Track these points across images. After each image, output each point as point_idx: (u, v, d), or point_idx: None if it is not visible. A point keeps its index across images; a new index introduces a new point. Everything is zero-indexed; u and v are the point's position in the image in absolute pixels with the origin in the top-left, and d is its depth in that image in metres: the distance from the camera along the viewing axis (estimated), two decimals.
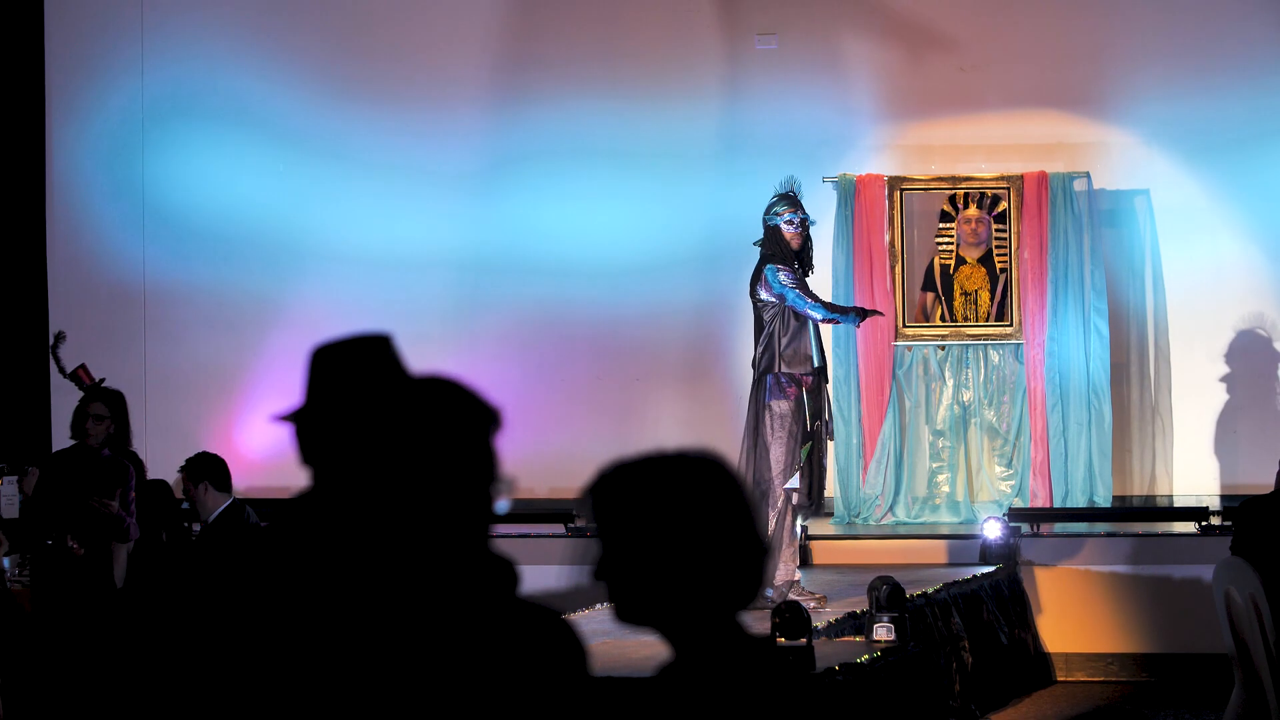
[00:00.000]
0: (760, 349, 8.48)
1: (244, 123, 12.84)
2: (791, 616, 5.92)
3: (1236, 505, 7.81)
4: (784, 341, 8.39)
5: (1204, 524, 10.54)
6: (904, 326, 12.02)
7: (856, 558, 10.68)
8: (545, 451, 12.32)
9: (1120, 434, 12.11)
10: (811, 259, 8.66)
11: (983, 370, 12.04)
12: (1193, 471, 12.20)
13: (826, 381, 8.66)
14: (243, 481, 9.45)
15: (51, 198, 12.93)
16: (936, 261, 12.19)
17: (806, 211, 8.65)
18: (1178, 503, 12.00)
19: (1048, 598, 10.30)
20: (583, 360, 12.65)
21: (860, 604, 8.01)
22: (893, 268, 12.07)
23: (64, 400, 12.28)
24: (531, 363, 12.62)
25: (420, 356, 2.55)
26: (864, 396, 12.03)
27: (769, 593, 7.95)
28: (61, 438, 12.25)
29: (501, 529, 10.19)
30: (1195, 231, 12.25)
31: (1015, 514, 10.95)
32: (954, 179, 12.19)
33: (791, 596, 8.07)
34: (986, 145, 12.42)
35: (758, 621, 6.43)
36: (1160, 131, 12.33)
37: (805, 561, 10.10)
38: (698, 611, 2.39)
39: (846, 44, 12.63)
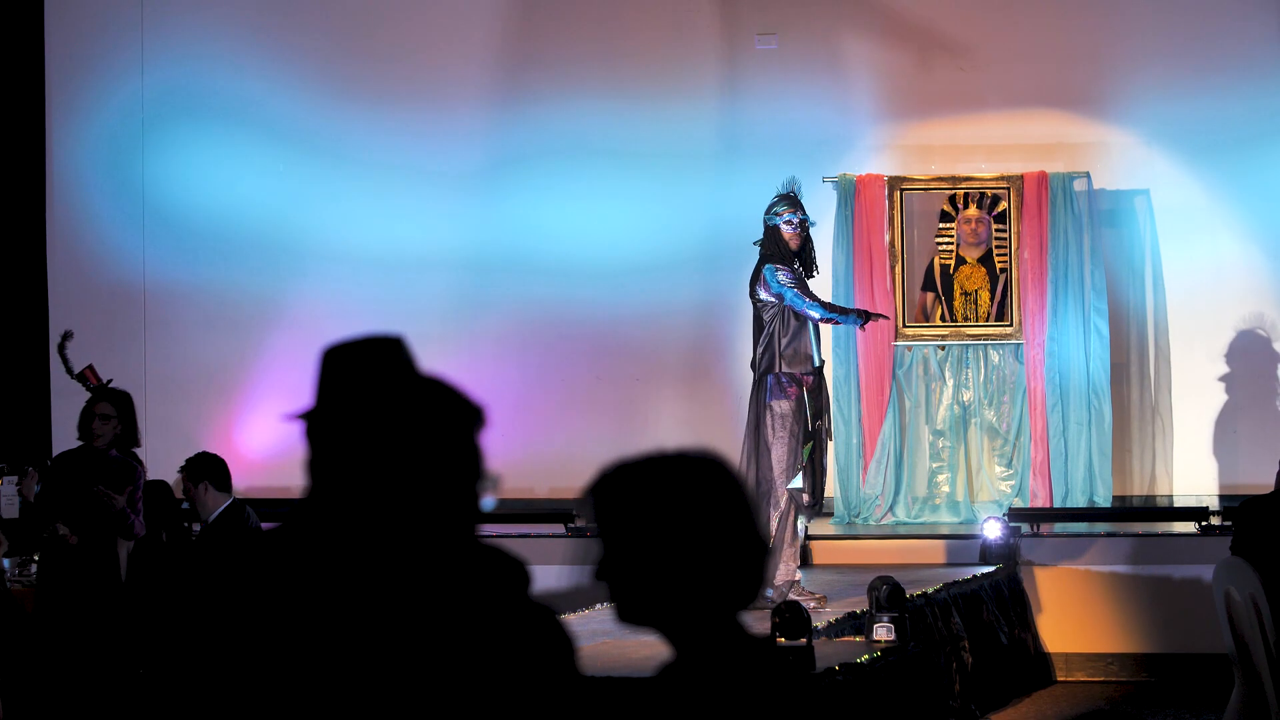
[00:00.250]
0: (760, 349, 8.48)
1: (244, 123, 12.84)
2: (791, 616, 5.92)
3: (1236, 505, 7.81)
4: (784, 341, 8.39)
5: (1204, 524, 10.54)
6: (904, 326, 12.02)
7: (856, 558, 10.68)
8: (545, 451, 12.33)
9: (1120, 434, 12.12)
10: (813, 260, 8.66)
11: (983, 370, 12.04)
12: (1192, 471, 12.20)
13: (826, 381, 8.66)
14: (243, 481, 9.46)
15: (51, 198, 12.93)
16: (936, 261, 12.19)
17: (807, 212, 8.64)
18: (1178, 503, 12.00)
19: (1048, 598, 10.30)
20: (583, 360, 12.65)
21: (860, 604, 8.01)
22: (893, 268, 12.07)
23: (64, 400, 12.29)
24: (531, 363, 12.62)
25: (420, 356, 2.56)
26: (864, 396, 12.03)
27: (769, 593, 7.95)
28: (62, 438, 12.26)
29: (502, 529, 10.18)
30: (1195, 231, 12.25)
31: (1015, 514, 10.95)
32: (954, 179, 12.19)
33: (791, 596, 8.07)
34: (986, 145, 12.42)
35: (758, 621, 6.43)
36: (1160, 131, 12.33)
37: (805, 561, 10.10)
38: (699, 612, 2.39)
39: (846, 44, 12.63)
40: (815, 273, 8.66)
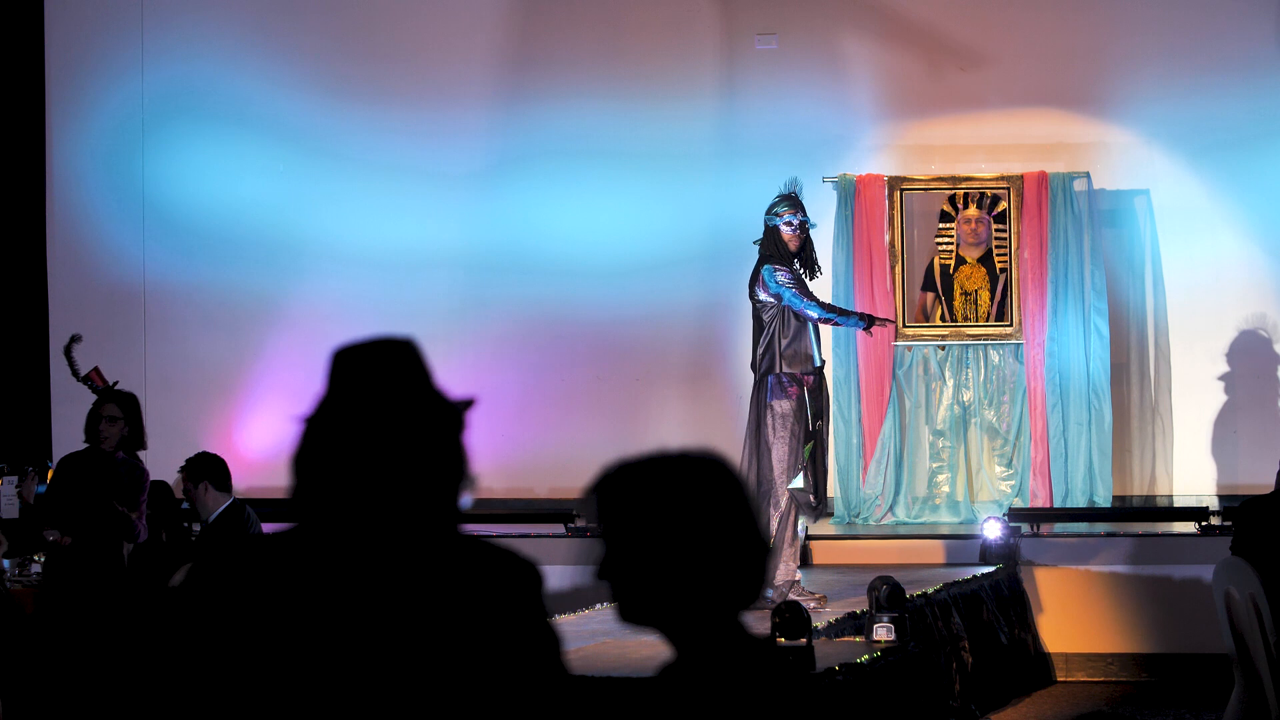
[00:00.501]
0: (760, 350, 8.47)
1: (244, 122, 12.84)
2: (791, 616, 5.92)
3: (1236, 505, 7.81)
4: (784, 342, 8.39)
5: (1204, 524, 10.54)
6: (904, 326, 12.02)
7: (856, 558, 10.68)
8: (545, 451, 12.34)
9: (1120, 434, 12.12)
10: (814, 261, 8.65)
11: (983, 370, 12.05)
12: (1192, 471, 12.20)
13: (826, 381, 8.66)
14: (243, 481, 9.45)
15: (51, 198, 12.93)
16: (936, 261, 12.19)
17: (808, 214, 8.64)
18: (1178, 503, 12.00)
19: (1048, 598, 10.30)
20: (583, 360, 12.65)
21: (860, 604, 8.01)
22: (893, 268, 12.07)
23: (65, 401, 12.30)
24: (532, 363, 12.62)
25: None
26: (864, 396, 12.03)
27: (769, 593, 7.95)
28: (62, 438, 12.26)
29: (502, 529, 10.17)
30: (1195, 231, 12.25)
31: (1015, 514, 10.95)
32: (954, 179, 12.20)
33: (791, 596, 8.07)
34: (986, 145, 12.42)
35: (758, 621, 6.43)
36: (1160, 131, 12.33)
37: (805, 561, 10.10)
38: (700, 611, 2.39)
39: (846, 44, 12.63)
40: (818, 274, 8.65)
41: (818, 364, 8.48)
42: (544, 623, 2.40)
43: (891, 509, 11.92)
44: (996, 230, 12.12)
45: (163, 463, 9.86)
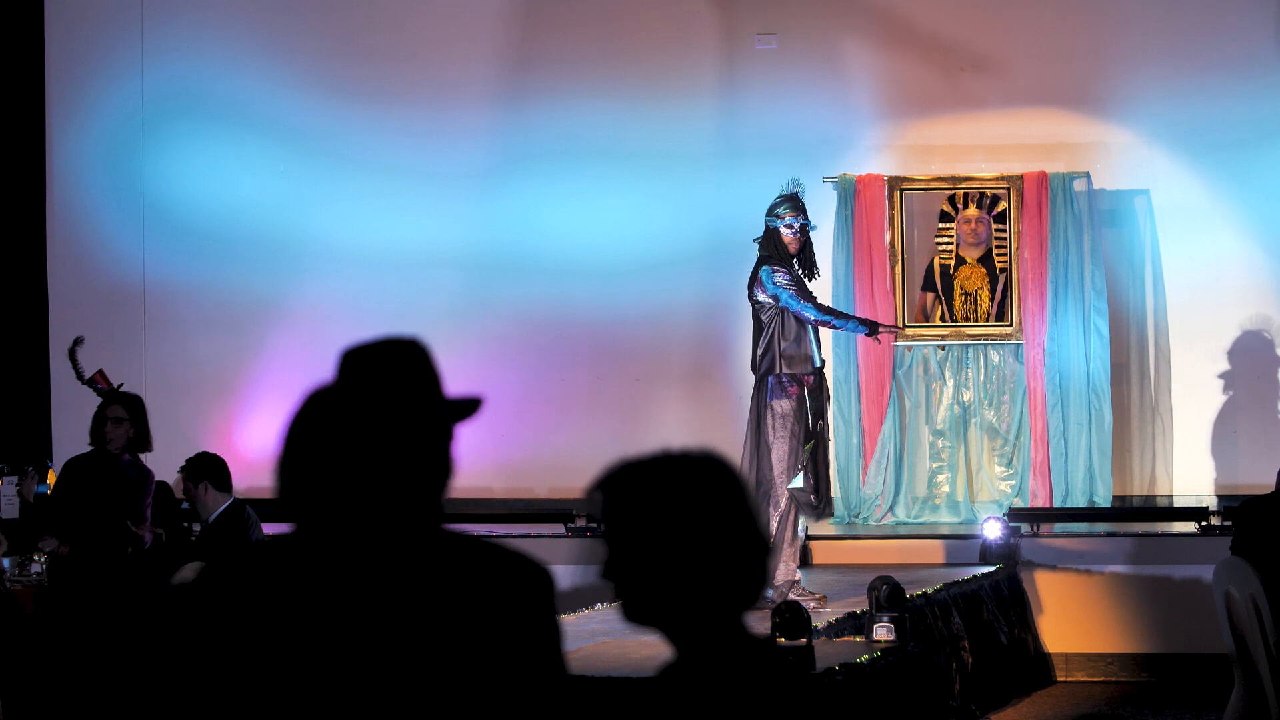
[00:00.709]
0: (760, 350, 8.48)
1: (244, 122, 12.83)
2: (791, 616, 5.92)
3: (1236, 505, 7.81)
4: (784, 343, 8.39)
5: (1204, 524, 10.53)
6: (904, 327, 12.02)
7: (856, 558, 10.68)
8: (545, 451, 12.34)
9: (1120, 434, 12.12)
10: (813, 262, 8.66)
11: (983, 370, 12.05)
12: (1192, 471, 12.20)
13: (827, 381, 8.67)
14: (243, 481, 9.45)
15: (51, 198, 12.93)
16: (936, 261, 12.19)
17: (809, 217, 8.64)
18: (1177, 503, 12.00)
19: (1048, 598, 10.30)
20: (583, 360, 12.65)
21: (860, 604, 8.01)
22: (893, 268, 12.07)
23: (65, 401, 12.30)
24: (532, 363, 12.61)
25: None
26: (864, 396, 12.04)
27: (769, 593, 7.95)
28: (62, 438, 12.27)
29: (502, 529, 10.15)
30: (1195, 231, 12.25)
31: (1015, 514, 10.95)
32: (954, 179, 12.20)
33: (791, 596, 8.07)
34: (986, 145, 12.42)
35: (758, 621, 6.43)
36: (1160, 131, 12.33)
37: (805, 561, 10.10)
38: (704, 612, 2.39)
39: (846, 44, 12.63)
40: (816, 275, 8.65)
41: (817, 364, 8.48)
42: (554, 629, 2.37)
43: (891, 509, 11.93)
44: (996, 230, 12.12)
45: (163, 463, 9.85)
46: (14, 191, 12.90)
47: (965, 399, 12.04)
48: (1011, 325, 12.01)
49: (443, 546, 2.37)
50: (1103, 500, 11.79)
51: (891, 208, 12.09)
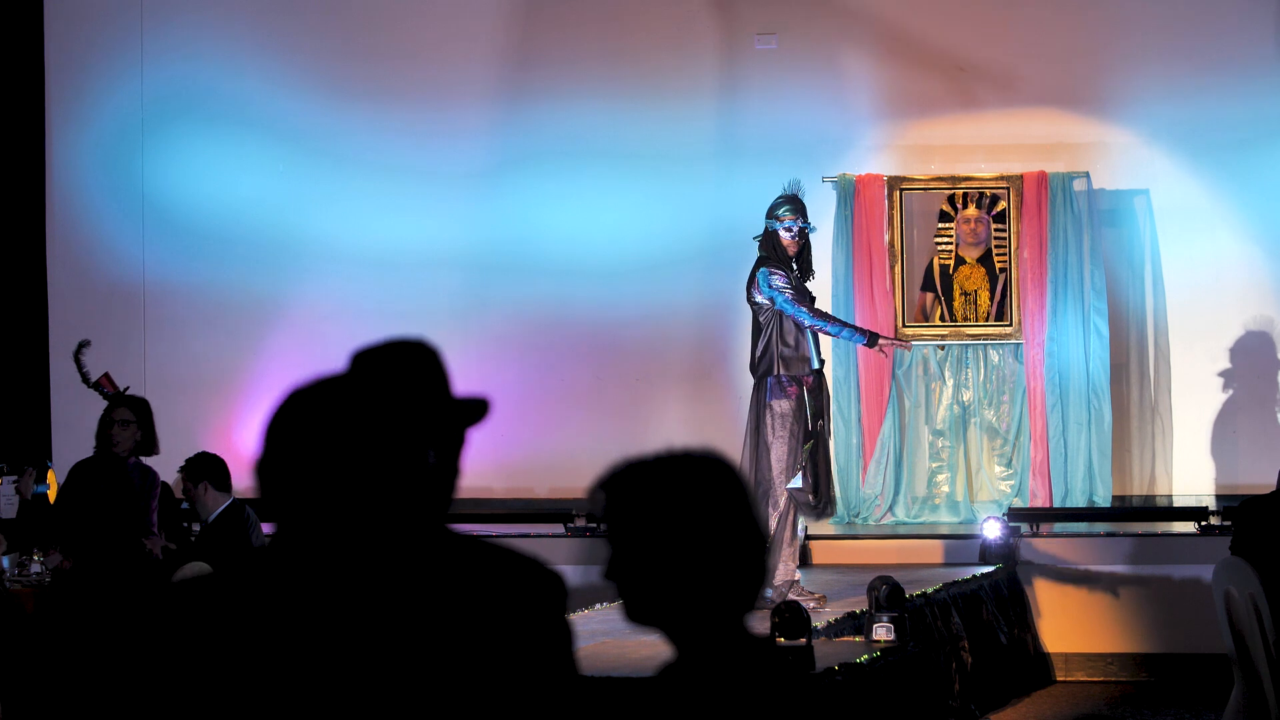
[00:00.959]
0: (759, 352, 8.48)
1: (244, 123, 12.83)
2: (791, 616, 5.93)
3: (1236, 505, 7.81)
4: (782, 345, 8.40)
5: (1204, 524, 10.53)
6: (904, 326, 12.02)
7: (856, 558, 10.68)
8: (545, 451, 12.34)
9: (1120, 434, 12.12)
10: (811, 263, 8.66)
11: (982, 370, 12.05)
12: (1192, 471, 12.20)
13: (826, 381, 8.67)
14: (243, 481, 9.45)
15: (51, 198, 12.93)
16: (936, 261, 12.19)
17: (809, 218, 8.64)
18: (1177, 503, 12.00)
19: (1047, 597, 10.30)
20: (583, 360, 12.65)
21: (860, 604, 8.01)
22: (892, 268, 12.07)
23: (64, 401, 12.29)
24: (532, 363, 12.61)
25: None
26: (864, 396, 12.04)
27: (769, 593, 7.95)
28: (62, 438, 12.27)
29: (502, 529, 10.16)
30: (1195, 231, 12.25)
31: (1015, 514, 10.95)
32: (953, 179, 12.20)
33: (791, 596, 8.07)
34: (986, 145, 12.41)
35: (758, 621, 6.43)
36: (1160, 131, 12.33)
37: (805, 561, 10.10)
38: (706, 612, 2.39)
39: (846, 44, 12.63)
40: (811, 276, 8.66)
41: (815, 366, 8.48)
42: (567, 636, 2.33)
43: (891, 509, 11.93)
44: (996, 230, 12.12)
45: (162, 463, 9.85)
46: (14, 191, 12.90)
47: (965, 399, 12.04)
48: (1011, 325, 12.01)
49: (453, 551, 2.33)
50: (1102, 500, 11.79)
51: (891, 208, 12.09)
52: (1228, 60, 12.29)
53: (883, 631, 7.10)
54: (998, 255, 12.11)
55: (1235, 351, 12.20)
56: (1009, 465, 11.97)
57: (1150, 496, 12.20)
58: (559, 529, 10.76)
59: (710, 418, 12.13)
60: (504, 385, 12.12)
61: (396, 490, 2.29)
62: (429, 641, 2.26)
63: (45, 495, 9.84)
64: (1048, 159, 12.25)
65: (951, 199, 12.16)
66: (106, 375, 9.87)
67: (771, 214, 8.59)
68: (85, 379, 10.11)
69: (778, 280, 8.41)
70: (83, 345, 10.30)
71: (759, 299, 8.47)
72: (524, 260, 12.63)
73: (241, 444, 12.21)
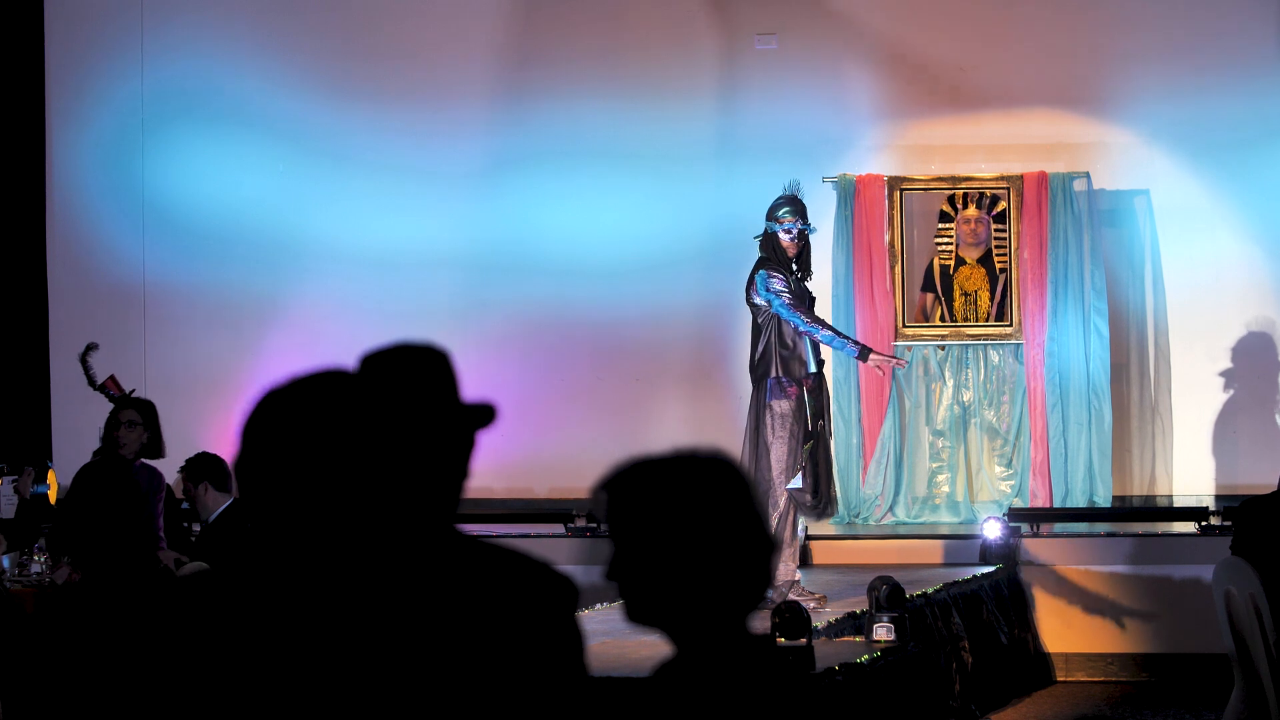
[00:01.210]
0: (758, 353, 8.48)
1: (244, 123, 12.83)
2: (791, 616, 5.92)
3: (1236, 505, 7.81)
4: (782, 346, 8.40)
5: (1204, 524, 10.53)
6: (904, 326, 12.02)
7: (856, 558, 10.67)
8: (545, 451, 12.33)
9: (1120, 434, 12.12)
10: (809, 265, 8.66)
11: (982, 370, 12.05)
12: (1192, 471, 12.20)
13: (826, 381, 8.66)
14: None
15: (51, 198, 12.93)
16: (936, 262, 12.19)
17: (808, 220, 8.64)
18: (1177, 503, 12.00)
19: (1047, 598, 10.30)
20: (583, 360, 12.65)
21: (860, 604, 8.01)
22: (892, 268, 12.07)
23: (65, 401, 12.30)
24: (532, 363, 12.61)
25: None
26: (864, 396, 12.04)
27: (769, 593, 7.95)
28: (62, 438, 12.27)
29: (502, 529, 10.15)
30: (1195, 231, 12.25)
31: (1015, 514, 10.94)
32: (954, 179, 12.19)
33: (791, 596, 8.07)
34: (986, 145, 12.41)
35: (758, 621, 6.42)
36: (1160, 131, 12.32)
37: (805, 561, 10.10)
38: (709, 613, 2.38)
39: (846, 44, 12.62)
40: (810, 278, 8.66)
41: (813, 369, 8.47)
42: (578, 642, 2.30)
43: (891, 509, 11.93)
44: (996, 230, 12.11)
45: (163, 463, 9.86)
46: (14, 191, 12.90)
47: (965, 399, 12.04)
48: (1011, 325, 12.01)
49: (463, 554, 2.31)
50: (1102, 500, 11.79)
51: (891, 208, 12.08)
52: (1228, 60, 12.29)
53: (883, 632, 7.10)
54: (998, 255, 12.11)
55: (1235, 351, 12.20)
56: (1009, 465, 11.97)
57: (1150, 497, 12.19)
58: (559, 529, 10.75)
59: (710, 418, 12.13)
60: (504, 385, 12.11)
61: (405, 492, 2.27)
62: (438, 644, 2.24)
63: (45, 495, 9.83)
64: (1048, 159, 12.25)
65: (951, 199, 12.16)
66: (112, 378, 9.86)
67: (771, 215, 8.59)
68: (91, 381, 10.10)
69: (776, 283, 8.41)
70: (90, 348, 10.29)
71: (757, 301, 8.48)
72: (524, 260, 12.62)
73: None
